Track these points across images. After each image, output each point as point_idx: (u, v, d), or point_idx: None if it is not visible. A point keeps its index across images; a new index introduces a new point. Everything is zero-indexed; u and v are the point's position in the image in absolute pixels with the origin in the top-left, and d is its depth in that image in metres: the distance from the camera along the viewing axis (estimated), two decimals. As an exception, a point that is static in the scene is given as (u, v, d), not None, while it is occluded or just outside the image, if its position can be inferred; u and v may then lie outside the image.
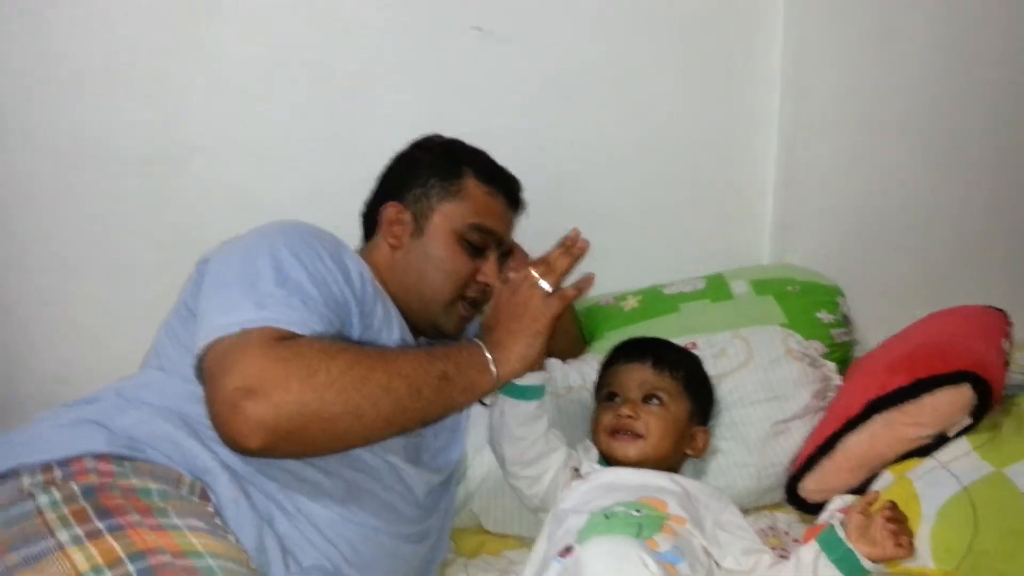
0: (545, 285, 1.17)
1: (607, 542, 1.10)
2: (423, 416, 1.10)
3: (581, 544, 1.11)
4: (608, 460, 1.32)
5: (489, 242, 1.33)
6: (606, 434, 1.31)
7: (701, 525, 1.18)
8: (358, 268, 1.19)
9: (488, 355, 1.14)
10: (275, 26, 1.64)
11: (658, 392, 1.32)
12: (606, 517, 1.15)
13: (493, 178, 1.36)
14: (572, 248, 1.20)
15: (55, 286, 1.71)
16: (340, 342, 1.05)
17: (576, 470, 1.29)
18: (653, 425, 1.30)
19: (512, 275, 1.23)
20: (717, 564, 1.16)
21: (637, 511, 1.16)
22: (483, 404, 1.23)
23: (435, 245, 1.30)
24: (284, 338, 1.00)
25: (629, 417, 1.30)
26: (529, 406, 1.23)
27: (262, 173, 1.71)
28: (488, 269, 1.32)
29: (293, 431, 0.96)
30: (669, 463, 1.32)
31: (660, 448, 1.30)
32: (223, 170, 1.69)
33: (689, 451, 1.35)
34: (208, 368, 1.00)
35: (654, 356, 1.36)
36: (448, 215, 1.31)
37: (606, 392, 1.36)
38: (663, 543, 1.10)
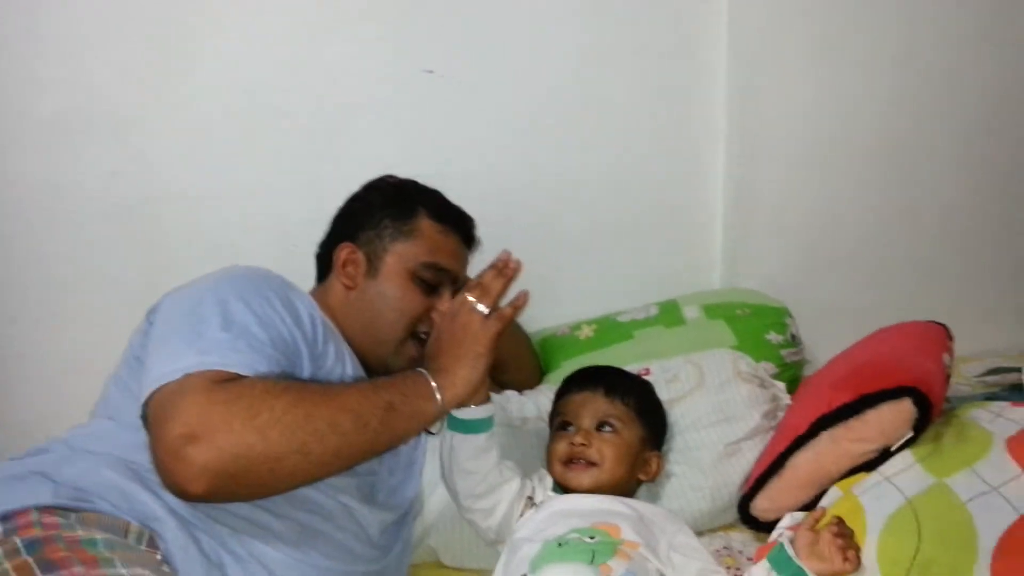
0: (482, 308, 1.18)
1: (561, 570, 1.11)
2: (371, 448, 1.09)
3: (535, 573, 1.12)
4: (563, 488, 1.33)
5: (443, 280, 1.34)
6: (560, 463, 1.32)
7: (655, 548, 1.19)
8: (308, 309, 1.20)
9: (432, 382, 1.14)
10: (247, 74, 1.67)
11: (610, 419, 1.34)
12: (559, 545, 1.16)
13: (446, 216, 1.38)
14: (504, 269, 1.21)
15: (24, 334, 1.71)
16: (283, 380, 1.05)
17: (531, 499, 1.30)
18: (607, 452, 1.31)
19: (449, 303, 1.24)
20: None
21: (591, 537, 1.17)
22: (430, 433, 1.23)
23: (389, 285, 1.32)
24: (226, 380, 1.00)
25: (583, 445, 1.31)
26: (478, 439, 1.24)
27: (230, 220, 1.73)
28: (442, 306, 1.33)
29: (238, 473, 0.96)
30: (623, 488, 1.33)
31: (614, 474, 1.31)
32: (197, 216, 1.71)
33: (643, 476, 1.36)
34: (151, 416, 1.00)
35: (606, 384, 1.37)
36: (401, 255, 1.32)
37: (559, 421, 1.37)
38: (617, 568, 1.11)
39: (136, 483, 1.03)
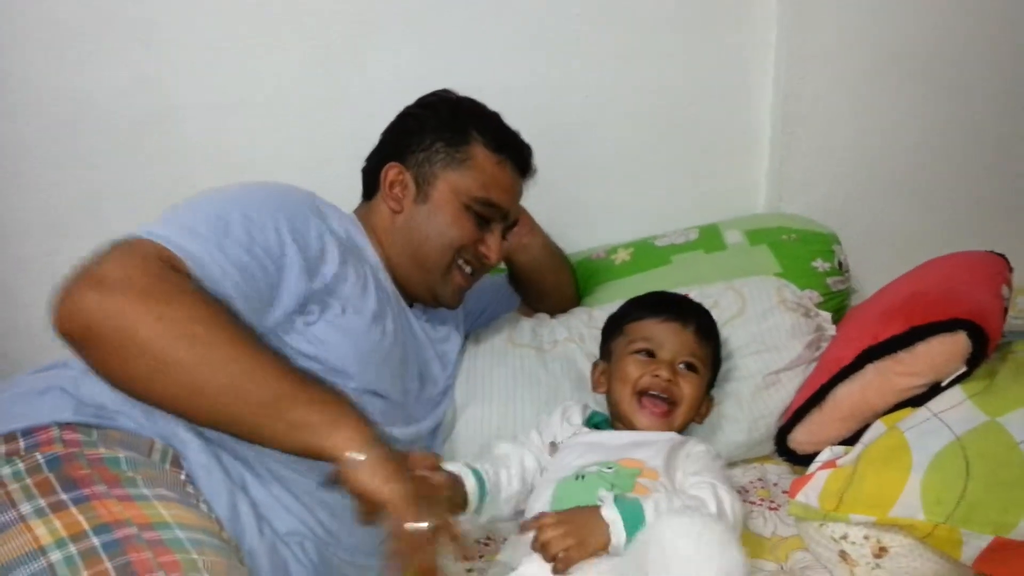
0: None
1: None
2: (237, 414, 0.89)
3: (556, 507, 1.08)
4: (620, 420, 1.27)
5: (495, 216, 1.28)
6: (636, 393, 1.25)
7: (673, 478, 1.15)
8: (342, 224, 1.15)
9: (358, 446, 0.89)
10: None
11: (696, 361, 1.27)
12: (576, 479, 1.12)
13: (503, 146, 1.29)
14: None
15: (41, 251, 1.68)
16: (224, 308, 0.93)
17: (553, 444, 1.25)
18: (688, 392, 1.25)
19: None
20: None
21: (608, 468, 1.13)
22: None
23: (440, 212, 1.25)
24: (175, 266, 0.94)
25: (669, 381, 1.24)
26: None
27: (253, 132, 1.68)
28: (492, 243, 1.28)
29: (106, 339, 0.87)
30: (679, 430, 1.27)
31: (685, 419, 1.26)
32: (213, 130, 1.67)
33: (696, 419, 1.31)
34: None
35: (699, 323, 1.31)
36: (454, 184, 1.25)
37: (643, 347, 1.28)
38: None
39: (159, 401, 1.00)
